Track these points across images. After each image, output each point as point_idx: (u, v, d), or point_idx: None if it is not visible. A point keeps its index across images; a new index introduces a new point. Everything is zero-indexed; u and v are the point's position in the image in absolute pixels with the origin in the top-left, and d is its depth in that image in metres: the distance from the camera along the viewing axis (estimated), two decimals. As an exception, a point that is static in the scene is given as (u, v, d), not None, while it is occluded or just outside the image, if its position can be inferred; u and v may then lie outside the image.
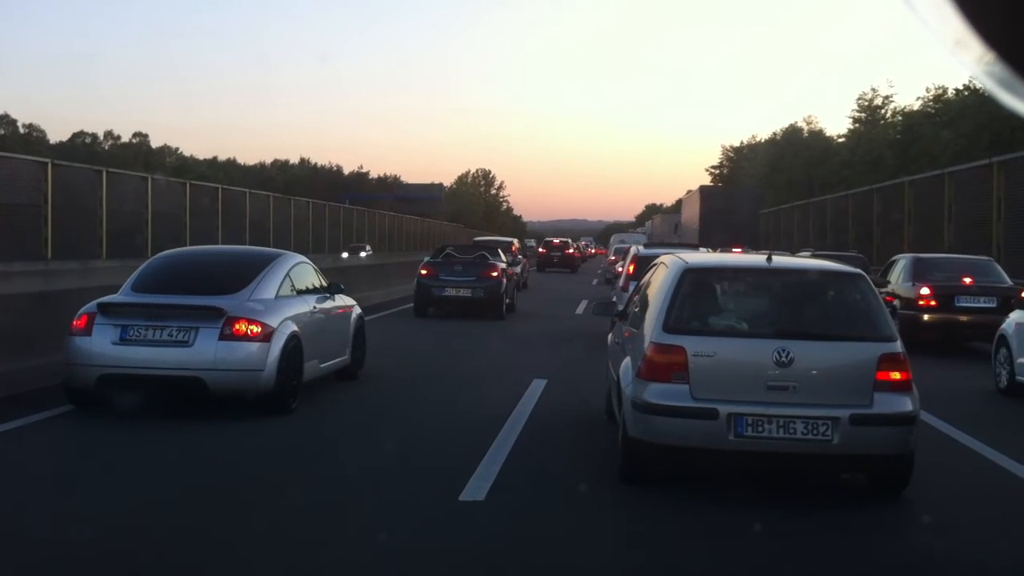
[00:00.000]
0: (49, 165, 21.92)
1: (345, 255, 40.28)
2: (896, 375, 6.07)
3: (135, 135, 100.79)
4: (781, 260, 7.23)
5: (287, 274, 9.57)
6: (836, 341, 6.27)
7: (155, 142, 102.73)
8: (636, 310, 7.34)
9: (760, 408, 5.93)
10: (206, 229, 30.31)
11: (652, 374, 6.18)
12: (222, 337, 8.41)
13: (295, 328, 9.03)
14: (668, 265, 6.95)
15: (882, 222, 29.08)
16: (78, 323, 8.54)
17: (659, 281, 6.87)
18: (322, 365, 9.86)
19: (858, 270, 6.88)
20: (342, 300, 10.85)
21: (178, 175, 55.58)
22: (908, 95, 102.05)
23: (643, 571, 5.12)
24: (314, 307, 9.82)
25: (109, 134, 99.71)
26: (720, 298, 6.83)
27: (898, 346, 6.16)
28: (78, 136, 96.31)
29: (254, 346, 8.51)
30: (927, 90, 45.08)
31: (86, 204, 23.45)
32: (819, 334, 6.27)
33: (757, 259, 7.16)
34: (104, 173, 23.99)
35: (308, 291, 9.92)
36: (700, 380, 6.07)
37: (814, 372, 6.06)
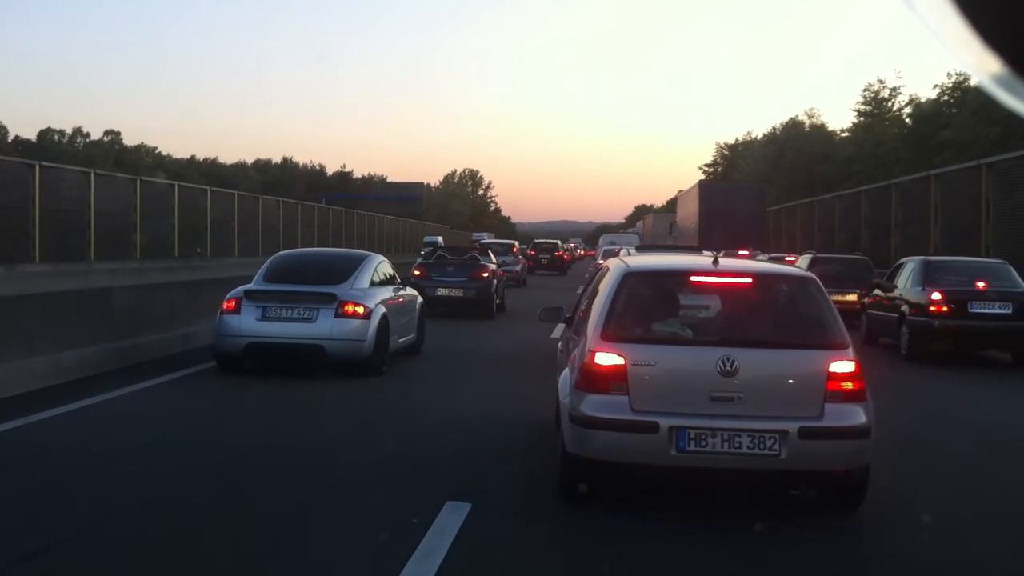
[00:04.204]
0: (-34, 158, 19.53)
1: None
2: (848, 385, 5.87)
3: (106, 132, 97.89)
4: (728, 262, 6.86)
5: (375, 269, 12.46)
6: (784, 349, 6.07)
7: (133, 141, 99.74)
8: (581, 316, 7.12)
9: (703, 421, 5.72)
10: (160, 229, 27.78)
11: (589, 385, 5.92)
12: (336, 315, 11.18)
13: (384, 310, 11.83)
14: (612, 268, 6.80)
15: (902, 221, 26.67)
16: (228, 305, 11.37)
17: (602, 286, 6.66)
18: (400, 340, 12.61)
19: (809, 274, 6.76)
20: (411, 291, 13.92)
21: (153, 174, 53.30)
22: (913, 89, 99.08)
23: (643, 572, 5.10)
24: (392, 294, 12.60)
25: (78, 131, 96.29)
26: (663, 303, 6.62)
27: (850, 353, 5.97)
28: (46, 134, 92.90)
29: (358, 322, 11.27)
30: (948, 76, 42.33)
31: (16, 203, 21.02)
32: (766, 341, 6.08)
33: (703, 261, 6.88)
34: (37, 168, 21.66)
35: (387, 282, 12.76)
36: (640, 391, 5.83)
37: (760, 382, 5.86)
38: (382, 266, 12.81)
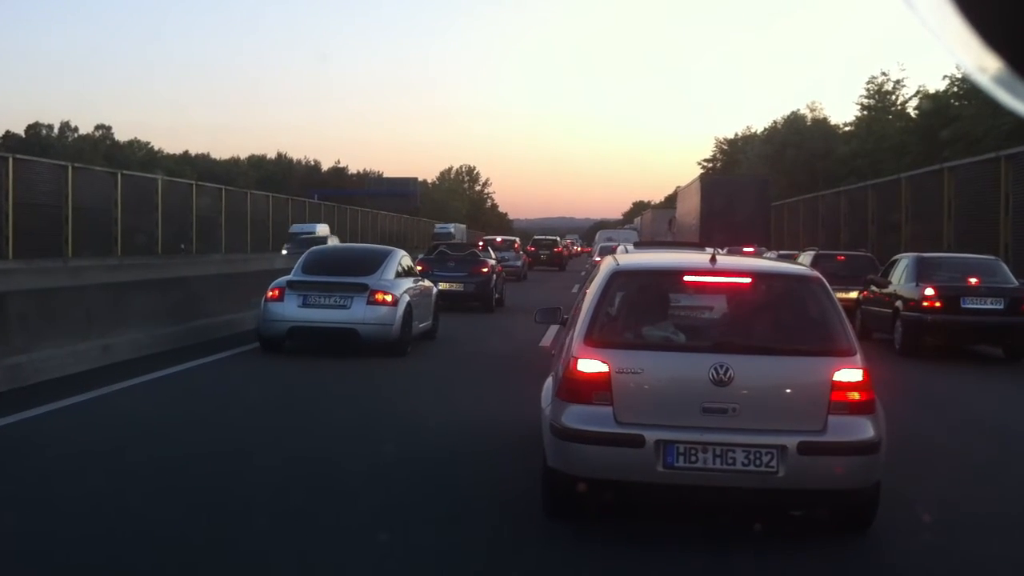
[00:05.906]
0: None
1: None
2: (855, 395, 5.40)
3: (97, 127, 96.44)
4: (726, 261, 6.35)
5: (399, 262, 14.02)
6: (784, 356, 5.60)
7: (125, 137, 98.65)
8: (575, 314, 6.63)
9: (694, 434, 5.30)
10: (143, 225, 26.84)
11: (571, 394, 5.52)
12: (368, 303, 12.73)
13: (408, 298, 13.35)
14: (602, 267, 6.42)
15: (912, 216, 25.78)
16: (272, 294, 12.92)
17: (591, 285, 6.24)
18: (420, 326, 14.07)
19: (814, 272, 6.24)
20: (427, 282, 15.51)
21: (145, 169, 52.45)
22: (918, 82, 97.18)
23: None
24: (413, 284, 14.07)
25: (67, 125, 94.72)
26: (653, 305, 6.22)
27: (858, 361, 5.50)
28: (34, 128, 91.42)
29: (386, 309, 12.82)
30: (957, 68, 41.35)
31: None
32: (765, 347, 5.61)
33: (698, 260, 6.47)
34: (10, 160, 20.74)
35: (408, 273, 14.30)
36: (625, 401, 5.41)
37: (757, 392, 5.42)
38: (404, 259, 14.41)
